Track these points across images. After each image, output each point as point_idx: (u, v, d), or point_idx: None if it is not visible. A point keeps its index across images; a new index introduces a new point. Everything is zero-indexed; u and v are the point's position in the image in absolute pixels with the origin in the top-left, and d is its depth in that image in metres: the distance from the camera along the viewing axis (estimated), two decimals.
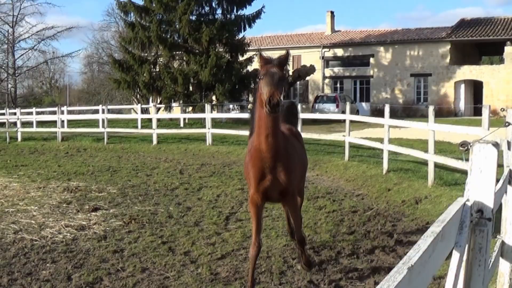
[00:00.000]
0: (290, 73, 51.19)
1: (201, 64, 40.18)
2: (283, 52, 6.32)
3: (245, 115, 30.98)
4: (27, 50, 63.51)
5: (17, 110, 35.46)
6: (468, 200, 3.36)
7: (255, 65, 48.66)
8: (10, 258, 8.24)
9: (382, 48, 52.98)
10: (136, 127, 33.52)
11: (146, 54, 43.39)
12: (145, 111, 40.03)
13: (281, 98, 5.80)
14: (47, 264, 7.95)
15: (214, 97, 42.50)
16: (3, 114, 38.16)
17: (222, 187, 14.17)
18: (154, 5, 41.66)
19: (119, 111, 49.89)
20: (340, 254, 8.30)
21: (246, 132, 25.13)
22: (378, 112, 41.36)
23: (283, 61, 6.24)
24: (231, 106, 44.46)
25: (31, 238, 9.32)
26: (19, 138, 31.71)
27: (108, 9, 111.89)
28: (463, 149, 3.70)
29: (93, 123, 36.89)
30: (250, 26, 43.34)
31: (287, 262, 7.90)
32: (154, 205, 12.16)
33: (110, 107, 37.44)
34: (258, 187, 6.56)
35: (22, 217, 10.93)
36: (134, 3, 42.59)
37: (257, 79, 6.17)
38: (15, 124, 33.43)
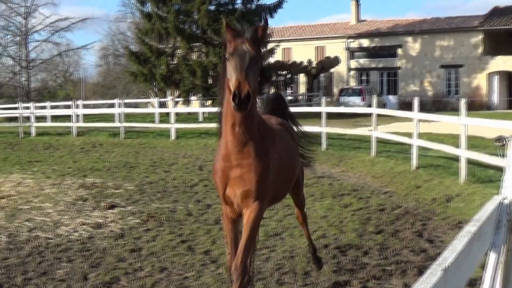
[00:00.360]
0: (314, 64, 51.14)
1: (221, 56, 40.19)
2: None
3: None
4: (41, 42, 64.03)
5: (31, 104, 35.78)
6: (505, 198, 3.31)
7: (277, 56, 48.77)
8: (24, 257, 8.32)
9: (410, 38, 52.63)
10: (153, 121, 33.67)
11: (163, 46, 43.51)
12: (162, 105, 40.17)
13: (252, 90, 4.69)
14: (63, 263, 8.01)
15: None
16: (16, 108, 38.54)
17: None
18: None
19: (136, 105, 50.14)
20: (367, 254, 8.26)
21: None
22: (406, 105, 41.12)
23: (259, 35, 5.08)
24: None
25: (46, 237, 9.41)
26: (33, 133, 32.00)
27: (124, 0, 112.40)
28: (498, 144, 3.66)
29: (109, 118, 37.10)
30: (271, 16, 43.27)
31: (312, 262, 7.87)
32: (172, 202, 12.20)
33: (126, 101, 37.66)
34: (223, 195, 5.53)
35: (37, 215, 11.03)
36: None
37: (224, 58, 5.04)
38: (28, 118, 33.74)
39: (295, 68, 49.06)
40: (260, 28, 5.10)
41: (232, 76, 4.77)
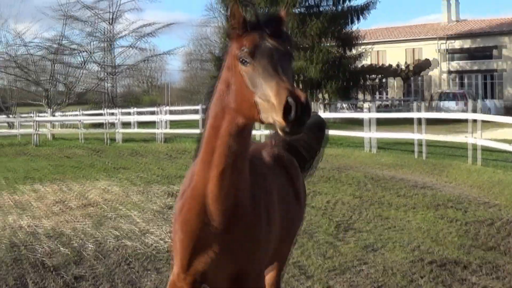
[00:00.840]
0: (406, 67, 50.31)
1: (309, 59, 40.18)
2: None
3: (358, 115, 30.70)
4: (126, 48, 65.50)
5: (116, 111, 36.80)
6: None
7: (368, 59, 48.29)
8: (111, 266, 8.48)
9: (509, 39, 51.00)
10: None
11: None
12: None
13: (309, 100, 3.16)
14: (150, 273, 8.11)
15: (322, 95, 42.42)
16: (102, 114, 39.72)
17: (335, 193, 14.05)
18: None
19: None
20: (467, 269, 7.99)
21: (360, 133, 25.10)
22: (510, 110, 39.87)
23: (282, 25, 3.60)
24: (344, 105, 44.15)
25: (133, 245, 9.57)
26: (119, 140, 32.87)
27: (208, 4, 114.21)
28: None
29: (195, 124, 37.66)
30: (362, 17, 42.95)
31: (407, 277, 7.69)
32: None
33: None
34: (188, 265, 3.87)
35: (123, 223, 11.25)
36: None
37: (238, 60, 3.43)
38: (113, 124, 34.72)
39: (386, 71, 48.51)
40: (282, 15, 3.62)
41: (264, 85, 3.23)
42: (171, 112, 40.46)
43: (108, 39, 64.29)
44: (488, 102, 49.12)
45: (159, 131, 32.05)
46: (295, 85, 3.28)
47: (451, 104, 43.01)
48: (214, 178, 3.64)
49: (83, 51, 57.23)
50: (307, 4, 43.14)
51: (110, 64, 63.96)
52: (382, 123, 29.39)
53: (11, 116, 47.32)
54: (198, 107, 36.86)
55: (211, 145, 3.67)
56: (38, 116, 38.59)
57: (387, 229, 10.29)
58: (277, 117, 3.10)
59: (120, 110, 37.59)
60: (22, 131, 37.95)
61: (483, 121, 20.14)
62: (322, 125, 5.85)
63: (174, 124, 38.06)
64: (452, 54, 54.09)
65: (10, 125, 45.06)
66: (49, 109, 45.80)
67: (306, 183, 13.96)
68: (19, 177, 18.26)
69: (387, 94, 55.48)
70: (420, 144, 20.91)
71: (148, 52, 67.47)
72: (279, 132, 3.18)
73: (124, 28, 65.54)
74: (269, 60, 3.30)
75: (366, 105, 37.33)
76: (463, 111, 38.92)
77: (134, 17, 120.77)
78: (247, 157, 3.77)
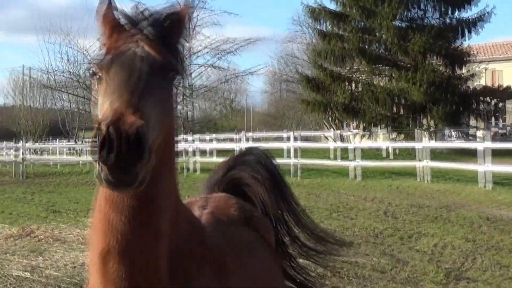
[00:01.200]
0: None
1: (411, 80, 39.80)
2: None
3: (470, 144, 30.12)
4: (204, 67, 65.68)
5: (192, 137, 37.40)
6: None
7: (483, 80, 47.36)
8: None
9: None
10: (329, 157, 33.94)
11: (342, 70, 43.82)
12: (339, 138, 40.37)
13: (149, 128, 2.42)
14: None
15: (427, 121, 41.87)
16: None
17: (443, 235, 13.80)
18: (352, 10, 42.10)
19: (307, 138, 50.74)
20: None
21: (472, 166, 24.63)
22: None
23: (172, 24, 2.94)
24: (453, 132, 43.44)
25: None
26: (196, 169, 33.30)
27: (294, 17, 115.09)
28: None
29: (278, 153, 37.83)
30: (474, 32, 42.30)
31: None
32: (357, 254, 12.08)
33: (302, 133, 38.21)
34: None
35: None
36: (328, 9, 43.31)
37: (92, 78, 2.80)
38: (187, 152, 35.32)
39: (503, 94, 47.51)
40: (169, 12, 2.94)
41: (101, 106, 2.59)
42: (253, 140, 40.76)
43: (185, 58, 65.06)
44: None
45: None
46: (143, 104, 2.45)
47: None
48: (96, 268, 2.76)
49: None
50: (409, 16, 42.87)
51: (187, 86, 64.46)
52: (499, 154, 28.78)
53: (74, 141, 48.64)
54: (283, 133, 36.99)
55: (98, 211, 2.83)
56: None
57: (507, 279, 10.01)
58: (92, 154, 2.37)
59: (197, 136, 38.17)
60: (87, 158, 38.96)
61: None
62: (264, 159, 4.99)
63: None
64: None
65: (76, 152, 46.35)
66: None
67: (409, 223, 13.67)
68: (83, 209, 18.69)
69: (504, 120, 54.24)
70: None
71: (227, 71, 67.17)
72: (100, 179, 2.38)
73: (200, 44, 66.00)
74: (123, 72, 2.58)
75: (479, 133, 36.62)
76: None
77: (212, 33, 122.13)
78: (158, 225, 2.80)
